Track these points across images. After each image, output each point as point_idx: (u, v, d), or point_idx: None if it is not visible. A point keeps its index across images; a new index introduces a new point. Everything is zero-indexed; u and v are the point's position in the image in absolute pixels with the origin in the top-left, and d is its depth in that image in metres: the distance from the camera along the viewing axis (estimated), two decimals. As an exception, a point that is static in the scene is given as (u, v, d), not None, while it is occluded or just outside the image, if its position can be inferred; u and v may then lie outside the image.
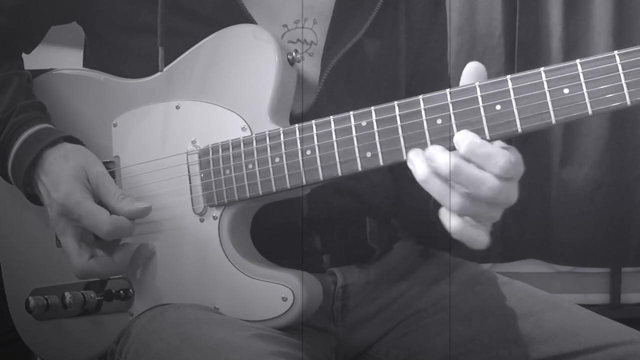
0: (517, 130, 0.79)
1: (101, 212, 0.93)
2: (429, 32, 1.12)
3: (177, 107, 0.99)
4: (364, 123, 0.86)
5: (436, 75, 1.14)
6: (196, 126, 0.97)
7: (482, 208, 0.79)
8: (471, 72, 0.81)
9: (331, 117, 0.88)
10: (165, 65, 1.00)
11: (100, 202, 0.95)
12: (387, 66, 1.07)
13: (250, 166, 0.92)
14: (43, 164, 0.97)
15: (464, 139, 0.78)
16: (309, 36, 1.03)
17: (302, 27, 1.03)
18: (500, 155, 0.77)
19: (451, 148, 0.80)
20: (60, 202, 0.94)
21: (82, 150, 0.99)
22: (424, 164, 0.80)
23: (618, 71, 0.75)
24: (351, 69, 1.03)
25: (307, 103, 1.00)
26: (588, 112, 0.76)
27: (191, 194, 0.96)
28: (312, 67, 1.02)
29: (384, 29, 1.06)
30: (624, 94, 0.75)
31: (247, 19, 0.98)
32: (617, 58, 0.75)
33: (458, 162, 0.78)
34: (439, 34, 1.15)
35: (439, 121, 0.82)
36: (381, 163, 0.85)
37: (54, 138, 0.98)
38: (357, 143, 0.86)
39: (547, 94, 0.78)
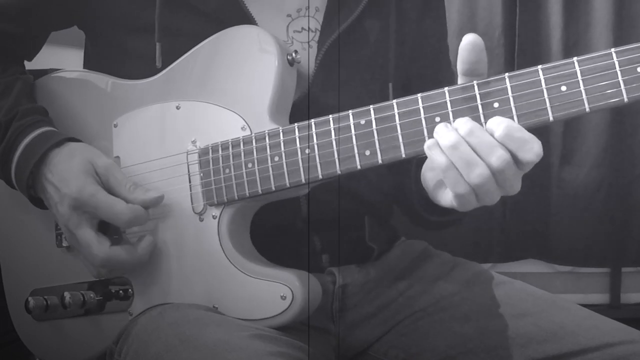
0: (515, 127, 0.79)
1: (118, 202, 0.94)
2: (424, 17, 1.12)
3: (178, 108, 0.99)
4: (362, 121, 0.86)
5: (437, 60, 1.15)
6: (196, 126, 0.97)
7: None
8: (464, 48, 0.80)
9: (330, 115, 0.88)
10: (165, 64, 1.00)
11: (111, 194, 0.95)
12: (380, 48, 1.07)
13: (250, 165, 0.93)
14: (49, 163, 0.97)
15: (500, 122, 0.78)
16: (313, 24, 1.04)
17: (307, 16, 1.03)
18: (536, 142, 0.78)
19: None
20: (73, 196, 0.94)
21: (85, 146, 0.99)
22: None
23: (615, 68, 0.76)
24: (345, 51, 1.03)
25: (303, 87, 1.00)
26: (585, 109, 0.77)
27: (191, 193, 0.96)
28: (312, 55, 1.03)
29: (378, 11, 1.06)
30: (621, 90, 0.75)
31: (247, 15, 0.99)
32: (614, 55, 0.76)
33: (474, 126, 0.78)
34: (435, 18, 1.15)
35: (438, 119, 0.82)
36: (380, 161, 0.85)
37: (59, 139, 0.98)
38: (356, 141, 0.86)
39: (545, 91, 0.78)
